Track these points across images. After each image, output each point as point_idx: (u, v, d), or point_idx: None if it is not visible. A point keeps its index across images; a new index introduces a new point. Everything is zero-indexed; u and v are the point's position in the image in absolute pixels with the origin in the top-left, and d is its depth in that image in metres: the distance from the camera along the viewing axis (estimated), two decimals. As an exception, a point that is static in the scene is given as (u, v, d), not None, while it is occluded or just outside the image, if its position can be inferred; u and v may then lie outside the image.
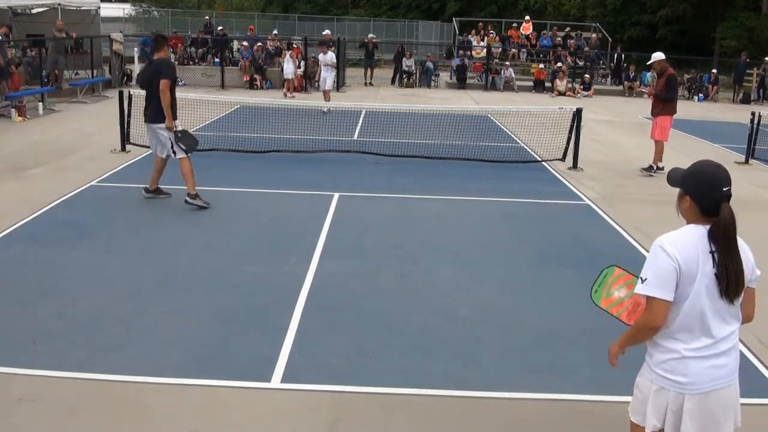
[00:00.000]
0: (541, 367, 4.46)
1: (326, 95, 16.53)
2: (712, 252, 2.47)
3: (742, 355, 4.68)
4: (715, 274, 2.46)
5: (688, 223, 2.59)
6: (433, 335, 4.85)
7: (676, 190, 2.70)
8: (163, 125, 7.61)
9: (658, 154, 10.72)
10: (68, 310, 5.02)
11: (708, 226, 2.49)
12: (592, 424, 3.89)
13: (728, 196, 2.51)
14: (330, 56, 16.84)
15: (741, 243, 2.55)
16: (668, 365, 2.55)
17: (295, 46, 21.05)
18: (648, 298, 2.51)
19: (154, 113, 7.64)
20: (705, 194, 2.51)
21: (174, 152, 7.68)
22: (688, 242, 2.50)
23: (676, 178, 2.62)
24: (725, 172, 2.53)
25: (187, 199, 7.68)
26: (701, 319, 2.50)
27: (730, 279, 2.45)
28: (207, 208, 7.69)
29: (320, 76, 17.36)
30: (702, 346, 2.51)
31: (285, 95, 19.37)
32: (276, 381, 4.14)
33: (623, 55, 26.84)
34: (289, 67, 19.98)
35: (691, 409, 2.52)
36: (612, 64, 26.97)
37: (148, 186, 8.07)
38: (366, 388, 4.10)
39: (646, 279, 2.50)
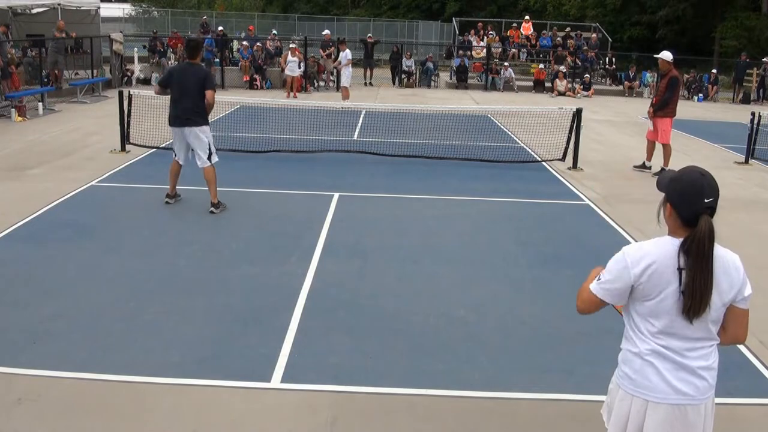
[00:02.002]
0: (541, 366, 4.46)
1: (347, 92, 17.48)
2: (680, 270, 2.36)
3: (741, 354, 4.71)
4: (681, 291, 2.36)
5: (668, 231, 2.47)
6: (433, 335, 4.85)
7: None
8: (208, 128, 7.57)
9: (668, 157, 10.71)
10: (68, 310, 5.02)
11: (681, 239, 2.38)
12: (592, 424, 3.89)
13: (710, 208, 2.34)
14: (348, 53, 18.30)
15: (731, 261, 2.42)
16: (633, 372, 2.50)
17: (293, 46, 20.62)
18: (590, 290, 2.52)
19: (198, 116, 7.49)
20: (685, 204, 2.36)
21: (210, 156, 7.56)
22: (653, 256, 2.39)
23: (662, 183, 2.48)
24: (711, 182, 2.37)
25: (213, 209, 7.59)
26: (664, 332, 2.43)
27: (694, 296, 2.33)
28: (226, 208, 7.76)
29: (342, 74, 18.18)
30: (666, 359, 2.44)
31: (288, 96, 19.20)
32: (276, 381, 4.14)
33: (615, 62, 26.91)
34: (292, 66, 19.66)
35: (652, 420, 2.45)
36: (607, 67, 26.99)
37: (168, 192, 7.91)
38: (366, 388, 4.10)
39: (601, 279, 2.49)
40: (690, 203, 2.36)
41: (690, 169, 2.45)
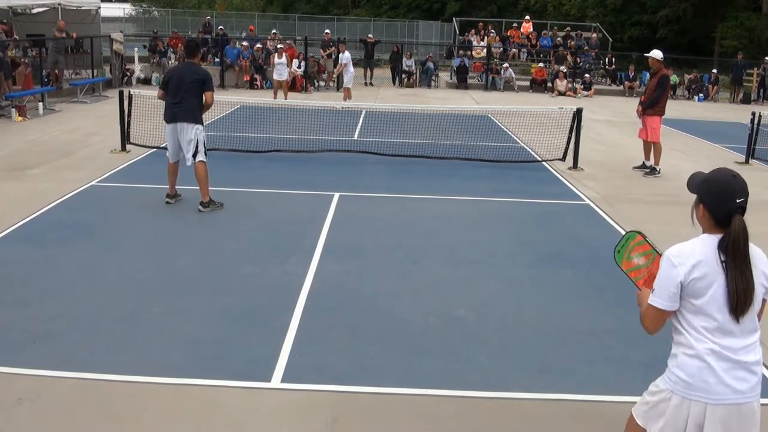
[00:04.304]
0: (541, 366, 4.46)
1: (348, 93, 17.50)
2: (723, 262, 2.43)
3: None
4: (731, 292, 2.43)
5: (703, 230, 2.54)
6: (433, 335, 4.85)
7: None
8: (200, 126, 7.62)
9: (658, 155, 10.70)
10: (68, 310, 5.02)
11: (719, 236, 2.46)
12: (592, 424, 3.89)
13: (741, 207, 2.44)
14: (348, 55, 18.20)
15: (757, 254, 2.49)
16: (689, 376, 2.51)
17: (281, 47, 19.36)
18: (650, 305, 2.56)
19: (192, 114, 7.57)
20: (717, 204, 2.46)
21: (196, 153, 7.58)
22: (697, 254, 2.46)
23: (693, 184, 2.56)
24: (741, 183, 2.48)
25: (201, 208, 7.64)
26: (720, 330, 2.47)
27: (739, 295, 2.41)
28: (222, 207, 7.78)
29: (343, 74, 18.15)
30: (723, 359, 2.47)
31: (275, 97, 17.72)
32: (276, 381, 4.14)
33: (615, 62, 26.97)
34: (280, 69, 18.01)
35: (711, 421, 2.47)
36: (607, 67, 26.99)
37: (168, 192, 7.97)
38: (366, 388, 4.10)
39: (655, 290, 2.55)
40: (722, 203, 2.45)
41: (721, 170, 2.55)
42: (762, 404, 4.10)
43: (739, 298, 2.41)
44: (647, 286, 2.71)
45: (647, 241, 2.86)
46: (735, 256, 2.41)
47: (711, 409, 2.48)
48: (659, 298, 2.52)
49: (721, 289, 2.44)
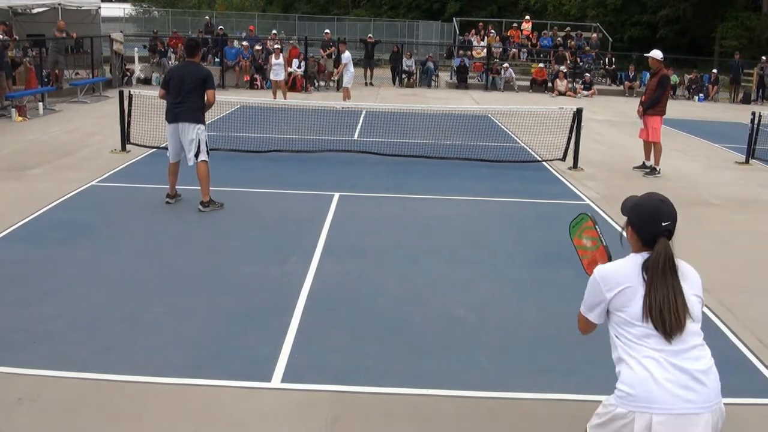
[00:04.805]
0: (541, 366, 4.46)
1: (348, 93, 17.24)
2: (644, 278, 2.52)
3: (742, 354, 4.71)
4: (648, 306, 2.47)
5: (632, 250, 2.64)
6: (433, 335, 4.85)
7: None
8: (201, 126, 7.64)
9: (658, 155, 10.71)
10: (68, 310, 5.02)
11: (646, 254, 2.54)
12: (592, 424, 3.89)
13: (668, 230, 2.53)
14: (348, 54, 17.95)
15: (688, 271, 2.56)
16: (631, 388, 2.48)
17: (278, 47, 18.94)
18: (580, 311, 2.73)
19: (194, 114, 7.58)
20: (644, 226, 2.56)
21: (198, 153, 7.59)
22: (622, 273, 2.56)
23: (626, 207, 2.67)
24: (669, 208, 2.57)
25: (201, 208, 7.65)
26: (646, 336, 2.48)
27: (664, 317, 2.44)
28: (222, 207, 7.78)
29: (343, 74, 17.88)
30: (663, 367, 2.44)
31: (275, 97, 17.71)
32: (276, 381, 4.14)
33: (615, 62, 26.98)
34: (277, 69, 17.97)
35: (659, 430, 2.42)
36: (607, 67, 27.01)
37: (169, 192, 7.97)
38: (366, 388, 4.10)
39: (584, 301, 2.70)
40: (649, 227, 2.55)
41: (651, 195, 2.65)
42: (758, 404, 4.13)
43: (665, 320, 2.44)
44: (589, 268, 2.85)
45: (595, 229, 2.97)
46: (658, 276, 2.47)
47: (657, 419, 2.41)
48: (588, 309, 2.68)
49: (643, 295, 2.50)
